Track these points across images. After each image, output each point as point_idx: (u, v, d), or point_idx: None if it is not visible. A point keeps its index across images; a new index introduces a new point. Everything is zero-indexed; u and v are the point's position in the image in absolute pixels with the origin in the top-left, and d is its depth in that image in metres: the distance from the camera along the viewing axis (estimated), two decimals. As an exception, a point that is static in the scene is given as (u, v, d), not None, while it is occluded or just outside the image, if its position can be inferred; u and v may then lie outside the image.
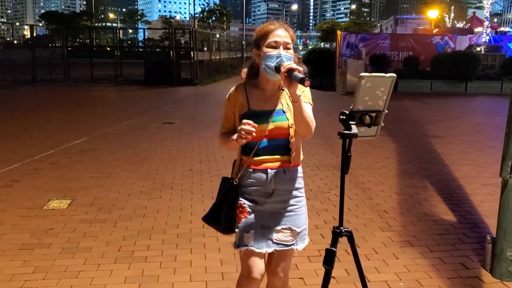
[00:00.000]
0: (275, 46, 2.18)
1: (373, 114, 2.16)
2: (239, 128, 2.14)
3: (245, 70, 2.40)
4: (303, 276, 3.52)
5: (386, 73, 2.11)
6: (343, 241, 2.36)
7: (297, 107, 2.13)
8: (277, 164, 2.29)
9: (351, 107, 2.13)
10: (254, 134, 2.11)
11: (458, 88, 20.13)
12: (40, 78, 22.35)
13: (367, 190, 5.83)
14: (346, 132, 2.14)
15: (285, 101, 2.28)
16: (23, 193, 5.50)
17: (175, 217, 4.76)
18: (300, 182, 2.39)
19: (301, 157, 2.39)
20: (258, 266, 2.35)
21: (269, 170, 2.29)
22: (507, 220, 3.43)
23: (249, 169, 2.31)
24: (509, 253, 3.44)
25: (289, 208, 2.35)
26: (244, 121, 2.12)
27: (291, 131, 2.26)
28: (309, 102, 2.28)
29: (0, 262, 3.70)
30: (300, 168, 2.40)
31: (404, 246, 4.13)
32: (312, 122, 2.23)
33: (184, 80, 23.25)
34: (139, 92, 19.33)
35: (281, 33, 2.20)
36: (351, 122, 2.14)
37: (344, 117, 2.15)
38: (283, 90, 2.28)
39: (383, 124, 2.22)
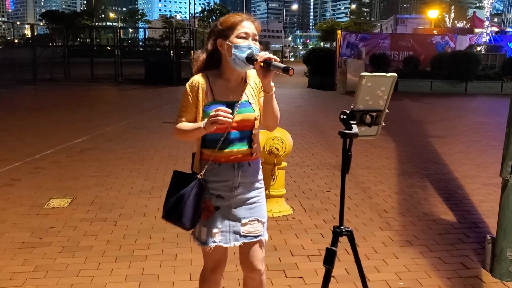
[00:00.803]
0: (245, 37, 2.17)
1: (374, 114, 2.16)
2: (212, 113, 2.06)
3: (202, 58, 2.32)
4: (303, 275, 3.52)
5: (386, 72, 2.12)
6: (343, 240, 2.36)
7: (268, 98, 2.14)
8: (242, 156, 2.27)
9: (351, 107, 2.13)
10: (231, 121, 2.08)
11: (458, 88, 20.15)
12: (41, 77, 22.37)
13: (367, 189, 5.83)
14: (346, 131, 2.14)
15: (250, 93, 2.26)
16: (24, 192, 5.51)
17: (175, 216, 4.75)
18: (260, 174, 2.40)
19: (260, 149, 2.41)
20: (224, 259, 2.41)
21: (235, 164, 2.26)
22: (507, 220, 3.43)
23: (214, 164, 2.25)
24: (509, 253, 3.45)
25: (253, 199, 2.34)
26: (221, 108, 2.06)
27: (256, 123, 2.26)
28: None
29: (1, 261, 3.70)
30: (259, 160, 2.40)
31: (404, 245, 4.13)
32: (278, 114, 2.25)
33: (185, 80, 22.97)
34: (139, 92, 19.34)
35: (249, 25, 2.19)
36: (351, 122, 2.14)
37: (344, 116, 2.15)
38: (246, 82, 2.28)
39: (383, 124, 2.22)
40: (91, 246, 4.02)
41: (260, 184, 2.39)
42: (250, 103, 2.25)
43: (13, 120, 11.17)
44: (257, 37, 2.21)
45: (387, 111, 2.18)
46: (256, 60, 2.06)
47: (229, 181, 2.27)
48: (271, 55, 2.05)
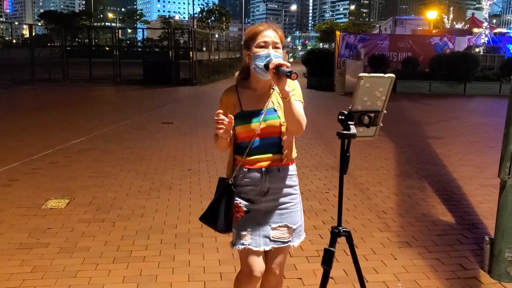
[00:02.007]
0: (264, 46, 2.23)
1: (372, 115, 2.16)
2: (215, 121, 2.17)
3: (237, 74, 2.44)
4: (301, 276, 3.51)
5: (385, 73, 2.12)
6: (341, 241, 2.36)
7: (287, 103, 2.15)
8: (270, 162, 2.32)
9: (350, 107, 2.13)
10: (226, 121, 2.13)
11: (457, 89, 20.16)
12: (39, 77, 22.33)
13: (365, 190, 5.83)
14: (344, 132, 2.14)
15: (276, 100, 2.30)
16: (22, 193, 5.49)
17: (173, 217, 4.76)
18: (294, 180, 2.42)
19: (294, 155, 2.42)
20: (259, 264, 2.37)
21: (263, 169, 2.31)
22: (505, 221, 3.43)
23: (244, 169, 2.33)
24: (507, 254, 3.45)
25: (284, 205, 2.38)
26: (218, 112, 2.15)
27: (283, 129, 2.29)
28: (300, 100, 2.32)
29: (-2, 262, 3.69)
30: (293, 166, 2.42)
31: (402, 246, 4.13)
32: (303, 119, 2.25)
33: (183, 80, 23.25)
34: (137, 92, 19.33)
35: (269, 34, 2.25)
36: (349, 123, 2.14)
37: (343, 117, 2.15)
38: (274, 89, 2.32)
39: (381, 125, 2.22)
40: (89, 247, 4.01)
41: (294, 190, 2.42)
42: (275, 110, 2.30)
43: (11, 120, 11.15)
44: (279, 45, 2.26)
45: (385, 112, 2.18)
46: (269, 67, 2.10)
47: (258, 186, 2.33)
48: (281, 61, 2.09)
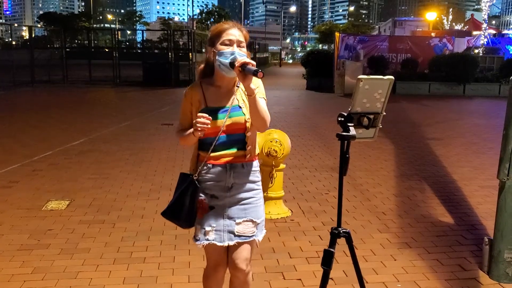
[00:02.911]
0: (229, 44, 2.28)
1: (371, 116, 2.18)
2: (194, 121, 2.21)
3: (201, 67, 2.47)
4: (301, 277, 3.52)
5: (384, 75, 2.13)
6: (341, 242, 2.37)
7: (251, 100, 2.20)
8: (234, 158, 2.36)
9: (349, 109, 2.15)
10: (209, 126, 2.19)
11: (456, 90, 20.20)
12: (39, 79, 22.34)
13: (365, 192, 5.84)
14: (344, 134, 2.16)
15: (240, 97, 2.35)
16: (22, 194, 5.50)
17: (173, 218, 4.76)
18: (257, 176, 2.46)
19: (257, 151, 2.47)
20: (223, 258, 2.46)
21: (228, 165, 2.35)
22: (504, 222, 3.45)
23: (208, 165, 2.36)
24: (507, 254, 3.46)
25: (248, 200, 2.41)
26: (199, 114, 2.19)
27: (248, 125, 2.33)
28: (263, 97, 2.35)
29: (-1, 263, 3.70)
30: (256, 162, 2.47)
31: (402, 247, 4.14)
32: (267, 116, 2.30)
33: (183, 82, 23.24)
34: (137, 93, 19.34)
35: (234, 32, 2.30)
36: (349, 124, 2.15)
37: (342, 119, 2.17)
38: (238, 87, 2.37)
39: (381, 126, 2.24)
40: (89, 248, 4.02)
41: (257, 186, 2.46)
42: (240, 107, 2.34)
43: (11, 122, 11.16)
44: (243, 44, 2.32)
45: (384, 113, 2.20)
46: (235, 65, 2.14)
47: (222, 181, 2.37)
48: (247, 60, 2.14)
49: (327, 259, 2.28)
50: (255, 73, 2.07)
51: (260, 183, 2.49)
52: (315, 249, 4.03)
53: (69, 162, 7.11)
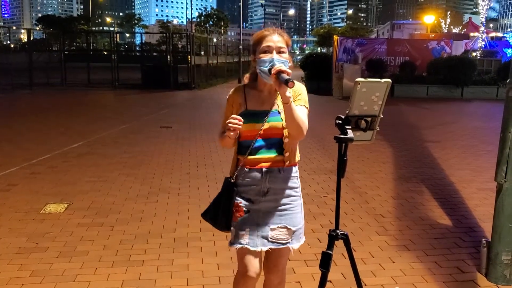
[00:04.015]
0: (268, 50, 2.28)
1: (369, 119, 2.19)
2: (227, 121, 2.22)
3: (247, 75, 2.50)
4: (300, 280, 3.53)
5: (382, 78, 2.14)
6: (339, 245, 2.37)
7: (287, 108, 2.18)
8: (271, 163, 2.35)
9: (347, 112, 2.16)
10: (239, 126, 2.19)
11: (454, 93, 20.24)
12: (37, 82, 22.34)
13: (363, 194, 5.85)
14: (342, 136, 2.16)
15: (281, 103, 2.31)
16: (20, 197, 5.50)
17: (172, 221, 4.77)
18: (295, 182, 2.44)
19: (297, 158, 2.44)
20: (254, 264, 2.38)
21: (264, 169, 2.34)
22: (502, 224, 3.45)
23: (245, 169, 2.37)
24: (504, 257, 3.47)
25: (284, 207, 2.40)
26: (232, 116, 2.22)
27: (285, 132, 2.32)
28: (304, 106, 2.34)
29: (-3, 266, 3.70)
30: (295, 168, 2.44)
31: (400, 250, 4.15)
32: (304, 124, 2.26)
33: (181, 84, 23.30)
34: (136, 96, 19.35)
35: (274, 38, 2.30)
36: (346, 127, 2.16)
37: (340, 121, 2.18)
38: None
39: (378, 129, 2.25)
40: (87, 251, 4.02)
41: (294, 192, 2.44)
42: (279, 112, 2.32)
43: (9, 125, 11.16)
44: (283, 49, 2.31)
45: (382, 116, 2.21)
46: (272, 72, 2.15)
47: (258, 186, 2.36)
48: (282, 67, 2.14)
49: (325, 262, 2.29)
50: (286, 82, 2.06)
51: (299, 190, 2.47)
52: (313, 251, 4.03)
53: (67, 165, 7.10)
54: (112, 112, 14.57)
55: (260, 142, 2.33)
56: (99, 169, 6.90)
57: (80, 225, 4.62)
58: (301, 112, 2.28)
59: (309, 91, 2.13)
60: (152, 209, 5.13)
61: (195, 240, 4.27)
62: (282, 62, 2.22)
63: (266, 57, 2.26)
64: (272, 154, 2.34)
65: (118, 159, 7.58)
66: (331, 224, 4.65)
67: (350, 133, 2.16)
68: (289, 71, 2.14)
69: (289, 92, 2.14)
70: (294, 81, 2.09)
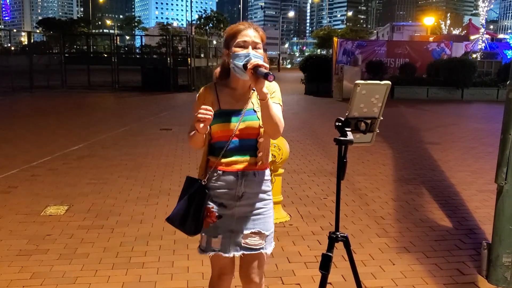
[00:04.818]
0: (244, 45, 2.18)
1: (369, 121, 2.19)
2: (196, 114, 2.08)
3: (217, 70, 2.38)
4: (300, 282, 3.52)
5: (382, 79, 2.15)
6: (339, 247, 2.37)
7: (264, 105, 2.10)
8: (246, 165, 2.25)
9: (346, 114, 2.16)
10: (209, 117, 2.04)
11: (454, 94, 20.25)
12: (38, 84, 22.34)
13: (363, 196, 5.85)
14: (341, 138, 2.17)
15: (256, 101, 2.24)
16: (21, 199, 5.50)
17: (172, 223, 4.76)
18: (268, 185, 2.35)
19: (270, 158, 2.37)
20: (228, 267, 2.38)
21: (239, 172, 2.24)
22: (503, 226, 3.45)
23: (218, 171, 2.25)
24: (505, 259, 3.46)
25: (257, 211, 2.30)
26: (203, 106, 2.07)
27: (261, 131, 2.23)
28: (279, 103, 2.26)
29: (-3, 268, 3.70)
30: (268, 171, 2.36)
31: (400, 252, 4.15)
32: (281, 122, 2.19)
33: (181, 87, 23.31)
34: (136, 99, 19.36)
35: (250, 33, 2.20)
36: (346, 129, 2.16)
37: (339, 123, 2.18)
38: (254, 90, 2.24)
39: (378, 131, 2.25)
40: (88, 253, 4.02)
41: (267, 196, 2.34)
42: (255, 111, 2.23)
43: (10, 127, 11.16)
44: (259, 45, 2.21)
45: (382, 118, 2.21)
46: (247, 67, 2.06)
47: (232, 190, 2.25)
48: (260, 62, 2.04)
49: (325, 264, 2.29)
50: (265, 76, 1.97)
51: (271, 193, 2.37)
52: (313, 253, 4.03)
53: (68, 167, 7.11)
54: (112, 114, 14.58)
55: (235, 143, 2.22)
56: (99, 171, 6.90)
57: (80, 227, 4.62)
58: (278, 110, 2.20)
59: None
60: (152, 211, 5.13)
61: (195, 242, 4.23)
62: (258, 57, 2.12)
63: (241, 51, 2.16)
64: (247, 156, 2.24)
65: (118, 161, 7.58)
66: (331, 226, 4.65)
67: (350, 135, 2.16)
68: (267, 65, 2.05)
69: (266, 89, 2.06)
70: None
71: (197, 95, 2.34)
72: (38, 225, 4.67)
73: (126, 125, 11.64)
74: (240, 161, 2.24)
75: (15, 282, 3.48)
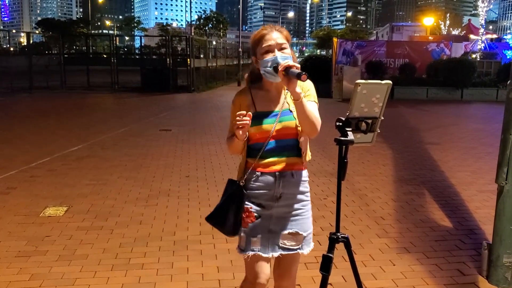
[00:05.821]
0: (270, 50, 2.19)
1: (369, 121, 2.17)
2: (234, 120, 2.12)
3: (246, 75, 2.41)
4: (300, 283, 3.51)
5: (382, 80, 2.13)
6: (340, 248, 2.36)
7: (298, 104, 2.10)
8: (284, 166, 2.26)
9: (347, 114, 2.15)
10: (248, 122, 2.08)
11: (454, 95, 20.25)
12: (37, 85, 22.33)
13: (363, 196, 5.84)
14: (342, 138, 2.15)
15: (291, 101, 2.23)
16: (20, 200, 5.49)
17: (171, 224, 4.75)
18: (306, 186, 2.36)
19: (309, 158, 2.36)
20: (265, 271, 2.34)
21: (277, 173, 2.25)
22: (503, 226, 3.44)
23: (256, 172, 2.27)
24: (505, 259, 3.45)
25: (296, 212, 2.32)
26: (239, 113, 2.09)
27: (299, 130, 2.23)
28: (314, 101, 2.26)
29: (-4, 270, 3.68)
30: (306, 172, 2.36)
31: (400, 252, 4.14)
32: (317, 120, 2.19)
33: (181, 87, 23.29)
34: (135, 99, 19.34)
35: (274, 36, 2.20)
36: (347, 129, 2.15)
37: (340, 123, 2.16)
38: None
39: (379, 131, 2.23)
40: (87, 254, 4.00)
41: (305, 197, 2.36)
42: (291, 110, 2.24)
43: (9, 128, 11.15)
44: (285, 45, 2.21)
45: (382, 118, 2.19)
46: (278, 70, 2.06)
47: (270, 190, 2.27)
48: (290, 62, 2.05)
49: (326, 265, 2.27)
50: (298, 76, 1.96)
51: (309, 194, 2.38)
52: (314, 254, 3.99)
53: (67, 168, 7.09)
54: (111, 115, 14.57)
55: (272, 144, 2.23)
56: (98, 172, 6.89)
57: (79, 228, 4.60)
58: (313, 108, 2.21)
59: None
60: (152, 212, 5.12)
61: (195, 243, 4.25)
62: (286, 58, 2.13)
63: (268, 57, 2.17)
64: (285, 156, 2.26)
65: (117, 162, 7.57)
66: (331, 226, 4.64)
67: (350, 135, 2.14)
68: (298, 65, 2.05)
69: (299, 88, 2.06)
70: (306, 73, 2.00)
71: (232, 99, 2.36)
72: (37, 226, 4.66)
73: (126, 125, 11.62)
74: (278, 162, 2.26)
75: (14, 283, 3.47)
